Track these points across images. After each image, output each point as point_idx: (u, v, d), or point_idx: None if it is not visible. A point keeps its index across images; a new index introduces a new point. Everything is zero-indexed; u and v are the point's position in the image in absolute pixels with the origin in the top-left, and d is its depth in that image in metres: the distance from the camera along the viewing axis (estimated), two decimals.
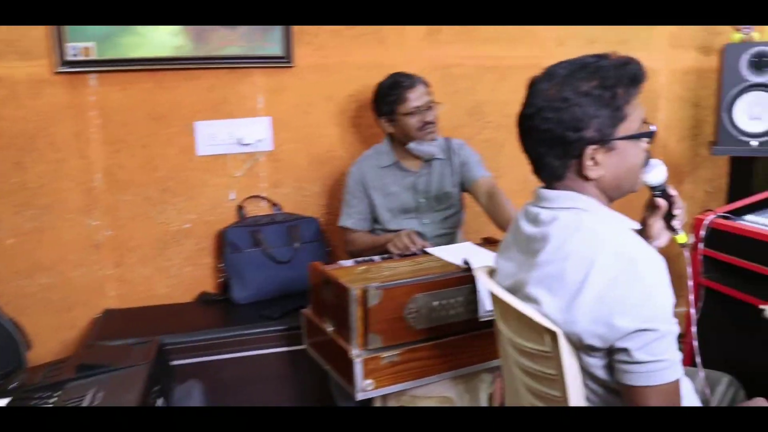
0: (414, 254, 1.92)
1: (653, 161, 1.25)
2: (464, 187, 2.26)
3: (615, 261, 1.03)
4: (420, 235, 2.07)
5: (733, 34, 2.46)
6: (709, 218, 1.90)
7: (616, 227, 1.11)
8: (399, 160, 2.23)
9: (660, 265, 1.04)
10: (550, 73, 1.12)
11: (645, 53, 2.73)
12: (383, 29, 2.47)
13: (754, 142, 2.42)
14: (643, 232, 1.30)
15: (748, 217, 1.90)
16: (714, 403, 1.36)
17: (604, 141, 1.09)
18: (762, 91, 2.39)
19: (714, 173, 2.91)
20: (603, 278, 1.03)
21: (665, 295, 1.03)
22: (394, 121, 2.17)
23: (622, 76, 1.10)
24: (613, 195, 1.16)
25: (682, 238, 1.31)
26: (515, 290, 1.17)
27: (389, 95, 2.16)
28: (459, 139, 2.29)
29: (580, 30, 2.62)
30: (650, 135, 1.15)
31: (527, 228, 1.19)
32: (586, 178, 1.12)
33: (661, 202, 1.28)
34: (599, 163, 1.10)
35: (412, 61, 2.47)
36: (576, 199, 1.13)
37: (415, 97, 2.14)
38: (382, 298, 1.57)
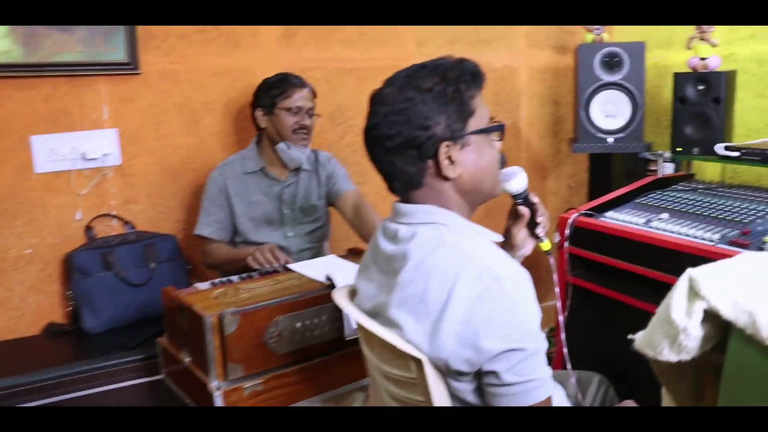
0: (276, 271, 1.81)
1: (513, 169, 1.23)
2: (330, 200, 2.21)
3: (479, 278, 0.98)
4: (282, 249, 1.97)
5: (585, 34, 2.54)
6: (573, 217, 1.93)
7: (479, 242, 1.06)
8: (265, 166, 2.14)
9: (525, 280, 1.01)
10: (390, 80, 1.09)
11: (505, 52, 2.81)
12: (236, 31, 2.36)
13: (610, 139, 2.52)
14: (507, 242, 1.28)
15: (609, 213, 1.95)
16: (586, 404, 1.36)
17: (455, 137, 1.06)
18: (614, 89, 2.49)
19: (575, 168, 3.02)
20: (467, 297, 0.97)
21: (532, 312, 1.00)
22: (271, 114, 2.09)
23: (463, 72, 1.07)
24: (474, 199, 1.12)
25: (546, 245, 1.30)
26: (377, 313, 1.10)
27: (274, 88, 2.08)
28: (327, 153, 2.25)
29: (441, 30, 2.62)
30: (500, 128, 1.13)
31: (386, 246, 1.12)
32: (446, 179, 1.07)
33: (524, 210, 1.26)
34: (455, 161, 1.06)
35: (267, 64, 2.37)
36: (436, 214, 1.07)
37: (300, 98, 2.08)
38: (240, 324, 1.46)
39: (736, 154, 1.98)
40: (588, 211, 1.96)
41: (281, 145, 2.08)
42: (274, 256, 1.87)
